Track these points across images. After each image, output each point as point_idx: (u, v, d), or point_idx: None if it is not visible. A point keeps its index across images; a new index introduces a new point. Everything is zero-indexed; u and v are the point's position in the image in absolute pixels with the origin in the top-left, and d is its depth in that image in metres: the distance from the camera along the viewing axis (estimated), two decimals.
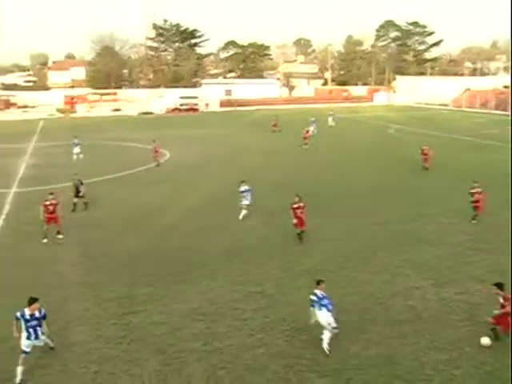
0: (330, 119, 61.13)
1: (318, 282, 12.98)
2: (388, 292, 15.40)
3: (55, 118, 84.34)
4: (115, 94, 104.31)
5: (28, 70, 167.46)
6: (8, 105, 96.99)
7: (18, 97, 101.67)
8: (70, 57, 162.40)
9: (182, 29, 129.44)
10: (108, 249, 19.79)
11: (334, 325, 12.57)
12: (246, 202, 22.93)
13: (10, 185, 31.56)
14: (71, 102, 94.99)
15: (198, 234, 21.44)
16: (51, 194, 21.35)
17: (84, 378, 11.66)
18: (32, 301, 11.97)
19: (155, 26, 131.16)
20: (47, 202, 20.82)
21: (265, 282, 16.43)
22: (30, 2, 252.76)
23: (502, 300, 12.64)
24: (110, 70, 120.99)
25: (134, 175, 34.22)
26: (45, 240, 20.60)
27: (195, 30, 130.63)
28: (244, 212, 22.97)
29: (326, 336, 12.49)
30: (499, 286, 12.81)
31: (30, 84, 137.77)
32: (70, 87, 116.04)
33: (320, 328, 12.59)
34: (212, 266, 17.89)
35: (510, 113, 71.86)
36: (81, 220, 23.71)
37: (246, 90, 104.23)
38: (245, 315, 14.29)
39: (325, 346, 12.42)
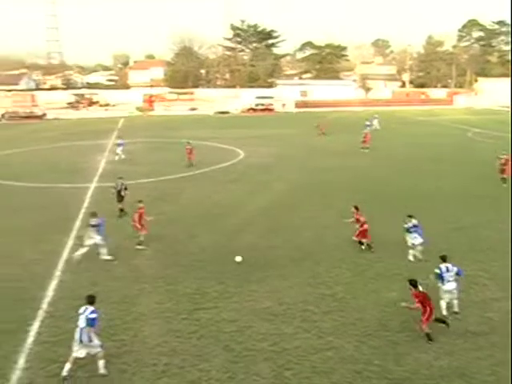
0: (374, 122, 59.31)
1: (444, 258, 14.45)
2: (463, 301, 14.89)
3: (134, 116, 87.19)
4: (192, 93, 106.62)
5: (111, 70, 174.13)
6: (91, 103, 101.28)
7: (101, 95, 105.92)
8: (150, 57, 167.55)
9: (260, 29, 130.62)
10: (182, 245, 20.27)
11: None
12: (416, 240, 18.23)
13: (91, 179, 32.99)
14: (150, 100, 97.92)
15: (269, 234, 21.57)
16: (140, 201, 20.89)
17: (155, 369, 12.02)
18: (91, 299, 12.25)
19: (233, 27, 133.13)
20: (140, 210, 20.08)
21: (336, 285, 16.31)
22: (112, 4, 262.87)
23: None
24: (187, 70, 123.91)
25: (208, 174, 34.85)
26: (139, 247, 20.12)
27: (272, 31, 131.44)
28: (412, 252, 18.38)
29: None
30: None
31: (112, 83, 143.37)
32: (149, 86, 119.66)
33: (391, 335, 12.34)
34: (283, 266, 17.95)
35: None
36: (156, 217, 24.38)
37: (321, 91, 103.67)
38: (314, 317, 14.25)
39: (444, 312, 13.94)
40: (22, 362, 12.29)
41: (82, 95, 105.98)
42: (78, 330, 11.80)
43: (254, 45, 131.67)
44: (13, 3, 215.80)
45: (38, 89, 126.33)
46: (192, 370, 12.00)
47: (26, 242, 20.84)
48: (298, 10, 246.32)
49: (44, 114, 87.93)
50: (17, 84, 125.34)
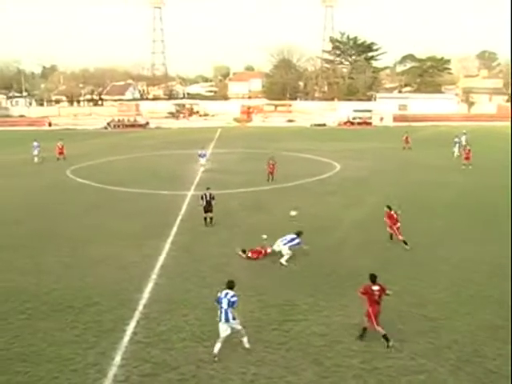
0: (463, 138, 52.93)
1: None
2: None
3: (232, 127, 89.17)
4: (290, 105, 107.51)
5: (211, 81, 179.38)
6: (191, 113, 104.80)
7: (201, 106, 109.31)
8: (250, 69, 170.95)
9: (359, 42, 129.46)
10: (275, 256, 20.34)
11: None
12: None
13: (188, 187, 34.05)
14: (247, 111, 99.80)
15: (363, 248, 21.20)
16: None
17: (244, 378, 12.11)
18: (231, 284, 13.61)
19: (332, 40, 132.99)
20: None
21: (429, 304, 15.70)
22: (214, 18, 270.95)
23: None
24: (285, 82, 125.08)
25: (303, 186, 34.88)
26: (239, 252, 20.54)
27: (372, 43, 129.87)
28: None
29: None
30: None
31: (212, 94, 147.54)
32: (247, 98, 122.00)
33: (486, 362, 11.69)
34: None
35: None
36: (252, 225, 24.72)
37: (421, 104, 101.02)
38: (407, 337, 13.78)
39: None
40: (118, 359, 12.84)
41: (183, 105, 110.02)
42: (222, 311, 13.16)
43: (354, 57, 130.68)
44: (121, 19, 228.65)
45: (142, 99, 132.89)
46: (280, 381, 11.98)
47: (128, 246, 21.84)
48: (399, 21, 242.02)
49: (147, 123, 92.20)
50: (123, 94, 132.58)
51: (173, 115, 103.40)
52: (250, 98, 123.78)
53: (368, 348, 13.27)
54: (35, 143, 48.16)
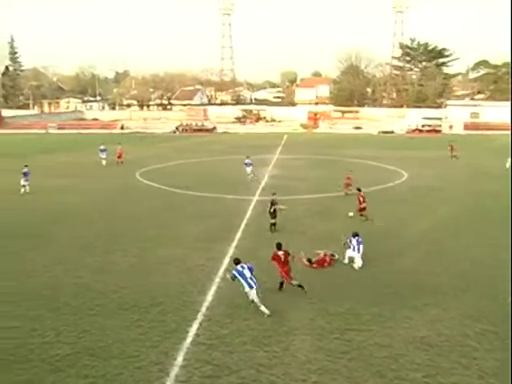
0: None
1: None
2: None
3: (298, 133, 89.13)
4: (357, 112, 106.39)
5: (278, 87, 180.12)
6: (258, 118, 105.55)
7: (268, 111, 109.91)
8: (317, 74, 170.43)
9: (430, 48, 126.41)
10: (338, 264, 20.17)
11: None
12: None
13: (253, 192, 34.30)
14: (314, 118, 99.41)
15: (429, 259, 20.66)
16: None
17: None
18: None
19: (402, 45, 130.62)
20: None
21: (500, 322, 15.07)
22: (282, 23, 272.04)
23: None
24: (353, 88, 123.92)
25: (370, 194, 34.22)
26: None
27: (444, 49, 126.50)
28: None
29: None
30: None
31: (279, 100, 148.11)
32: (314, 104, 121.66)
33: None
34: (443, 294, 17.05)
35: None
36: (317, 232, 24.61)
37: (495, 112, 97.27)
38: (475, 354, 13.30)
39: None
40: (180, 359, 13.08)
41: (250, 111, 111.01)
42: (247, 280, 15.29)
43: (424, 64, 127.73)
44: (191, 25, 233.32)
45: (209, 104, 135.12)
46: None
47: (193, 248, 22.27)
48: (472, 27, 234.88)
49: (214, 128, 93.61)
50: (191, 99, 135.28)
51: (239, 120, 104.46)
52: (316, 104, 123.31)
53: (432, 362, 12.91)
54: (102, 147, 49.51)
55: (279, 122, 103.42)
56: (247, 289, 15.38)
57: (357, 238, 20.06)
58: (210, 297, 16.93)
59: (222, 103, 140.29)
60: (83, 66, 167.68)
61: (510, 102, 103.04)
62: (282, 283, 17.22)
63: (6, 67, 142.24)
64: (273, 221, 24.84)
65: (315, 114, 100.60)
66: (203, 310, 15.92)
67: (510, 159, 45.33)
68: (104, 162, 48.73)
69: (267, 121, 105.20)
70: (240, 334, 14.34)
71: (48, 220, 27.75)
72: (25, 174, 35.84)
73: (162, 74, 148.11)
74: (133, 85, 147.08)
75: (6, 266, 20.33)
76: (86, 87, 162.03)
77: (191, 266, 20.08)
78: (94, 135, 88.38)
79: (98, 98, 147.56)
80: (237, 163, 47.67)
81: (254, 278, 15.43)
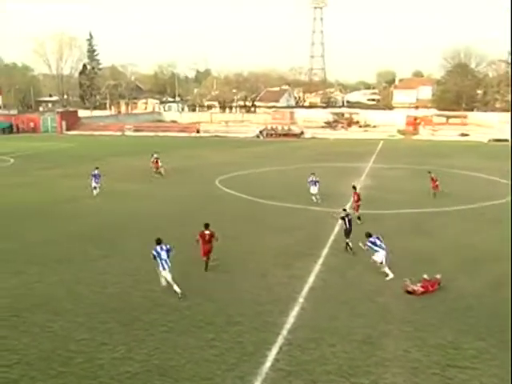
0: None
1: None
2: None
3: (395, 140, 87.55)
4: (465, 117, 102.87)
5: (373, 88, 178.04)
6: (350, 123, 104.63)
7: (361, 115, 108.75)
8: (418, 74, 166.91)
9: None
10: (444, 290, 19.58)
11: None
12: None
13: (343, 205, 33.87)
14: (414, 123, 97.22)
15: None
16: None
17: None
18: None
19: None
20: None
21: None
22: (380, 17, 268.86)
23: None
24: (460, 90, 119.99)
25: (476, 210, 33.11)
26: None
27: None
28: None
29: None
30: None
31: (374, 103, 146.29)
32: (413, 107, 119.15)
33: None
34: None
35: None
36: (410, 251, 24.01)
37: None
38: None
39: None
40: None
41: (342, 114, 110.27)
42: (163, 261, 18.61)
43: None
44: (278, 20, 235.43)
45: (297, 106, 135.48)
46: None
47: (274, 264, 22.39)
48: None
49: (301, 133, 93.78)
50: (277, 101, 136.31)
51: (330, 125, 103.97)
52: (417, 107, 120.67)
53: None
54: (155, 155, 48.91)
55: (374, 127, 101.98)
56: (160, 269, 18.76)
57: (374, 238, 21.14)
58: (291, 318, 16.89)
59: (311, 106, 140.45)
60: (162, 65, 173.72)
61: None
62: (207, 263, 21.42)
63: (84, 65, 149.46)
64: (347, 240, 24.41)
65: (415, 119, 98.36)
66: (284, 332, 15.90)
67: None
68: (159, 171, 47.56)
69: (360, 126, 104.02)
70: (324, 362, 14.20)
71: (120, 227, 28.80)
72: (95, 176, 37.86)
73: (245, 74, 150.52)
74: (214, 85, 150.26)
75: (81, 274, 21.31)
76: (165, 87, 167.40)
77: (271, 283, 20.16)
78: (172, 138, 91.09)
79: (177, 98, 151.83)
80: (326, 172, 47.47)
81: (168, 261, 18.65)
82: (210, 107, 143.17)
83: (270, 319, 16.79)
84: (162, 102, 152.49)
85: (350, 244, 24.14)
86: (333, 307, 17.80)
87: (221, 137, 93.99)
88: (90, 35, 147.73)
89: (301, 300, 18.41)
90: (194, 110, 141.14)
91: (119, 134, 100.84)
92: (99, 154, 64.78)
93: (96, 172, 38.28)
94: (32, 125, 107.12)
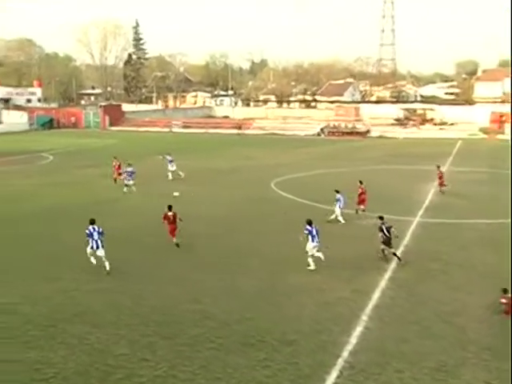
0: None
1: None
2: None
3: (477, 139, 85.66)
4: None
5: (451, 81, 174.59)
6: (424, 120, 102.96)
7: (437, 111, 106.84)
8: (504, 65, 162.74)
9: None
10: None
11: None
12: None
13: (414, 212, 33.46)
14: (499, 120, 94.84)
15: None
16: None
17: None
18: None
19: None
20: None
21: None
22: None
23: None
24: None
25: None
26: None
27: None
28: None
29: None
30: None
31: (452, 97, 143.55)
32: (499, 102, 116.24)
33: None
34: None
35: None
36: (491, 266, 23.44)
37: None
38: None
39: None
40: None
41: (414, 110, 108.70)
42: (94, 241, 22.44)
43: None
44: (343, 5, 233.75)
45: (363, 101, 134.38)
46: None
47: (334, 276, 22.32)
48: None
49: (367, 131, 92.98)
50: (341, 95, 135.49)
51: (400, 122, 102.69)
52: (503, 102, 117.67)
53: None
54: (169, 157, 47.71)
55: (451, 124, 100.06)
56: (89, 248, 22.56)
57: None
58: (354, 339, 16.73)
59: (379, 101, 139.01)
60: (215, 55, 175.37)
61: None
62: (177, 244, 25.96)
63: (129, 55, 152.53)
64: (392, 250, 24.38)
65: (501, 116, 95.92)
66: (345, 354, 15.76)
67: None
68: (170, 176, 45.75)
69: (435, 123, 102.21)
70: None
71: (162, 231, 29.18)
72: (129, 173, 39.41)
73: (306, 65, 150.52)
74: (271, 77, 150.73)
75: (121, 282, 21.80)
76: (217, 79, 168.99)
77: (331, 298, 20.03)
78: (223, 136, 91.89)
79: (230, 92, 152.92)
80: (394, 175, 47.06)
81: (99, 241, 22.51)
82: (265, 102, 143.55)
83: (329, 339, 16.67)
84: (213, 96, 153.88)
85: (395, 252, 24.33)
86: (401, 328, 17.52)
87: (277, 134, 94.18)
88: (136, 22, 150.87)
89: (364, 318, 18.21)
90: (248, 105, 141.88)
91: (166, 130, 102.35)
92: (144, 151, 65.89)
93: (130, 169, 39.43)
94: (73, 119, 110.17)
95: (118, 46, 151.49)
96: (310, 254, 23.29)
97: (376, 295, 20.24)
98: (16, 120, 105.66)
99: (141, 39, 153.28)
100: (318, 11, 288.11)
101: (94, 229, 22.61)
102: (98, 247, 22.49)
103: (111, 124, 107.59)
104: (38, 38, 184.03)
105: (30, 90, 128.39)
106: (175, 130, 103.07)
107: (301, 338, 16.67)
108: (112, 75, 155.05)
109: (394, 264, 23.93)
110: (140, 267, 23.58)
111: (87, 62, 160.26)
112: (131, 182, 39.49)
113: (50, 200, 37.88)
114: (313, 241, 23.22)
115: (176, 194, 37.11)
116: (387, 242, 24.24)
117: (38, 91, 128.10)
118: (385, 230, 24.26)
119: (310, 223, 23.62)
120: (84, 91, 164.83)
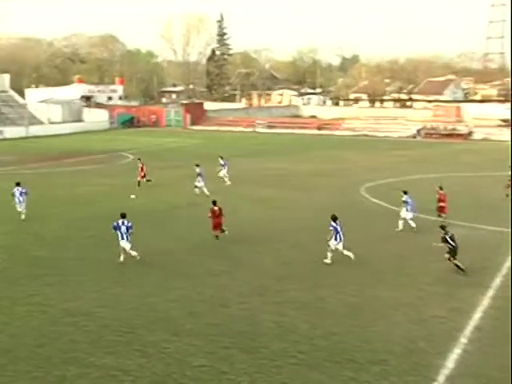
0: None
1: None
2: None
3: None
4: None
5: None
6: None
7: None
8: None
9: None
10: None
11: None
12: None
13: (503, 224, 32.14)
14: None
15: None
16: None
17: None
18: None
19: None
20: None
21: None
22: None
23: None
24: None
25: None
26: None
27: None
28: None
29: None
30: None
31: None
32: None
33: None
34: None
35: None
36: None
37: None
38: None
39: None
40: None
41: None
42: (122, 234, 24.85)
43: None
44: None
45: (465, 100, 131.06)
46: None
47: (430, 292, 21.84)
48: None
49: (469, 133, 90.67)
50: (440, 94, 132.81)
51: (508, 123, 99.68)
52: None
53: None
54: (222, 161, 47.07)
55: None
56: (120, 239, 24.90)
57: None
58: (450, 362, 16.25)
59: (484, 100, 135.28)
60: (302, 51, 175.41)
61: None
62: (216, 236, 28.62)
63: (213, 51, 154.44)
64: (456, 262, 23.98)
65: None
66: (441, 379, 15.32)
67: None
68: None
69: None
70: None
71: (247, 238, 29.35)
72: (200, 175, 40.86)
73: (402, 61, 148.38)
74: (363, 74, 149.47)
75: (201, 290, 22.09)
76: (304, 76, 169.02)
77: (426, 316, 19.60)
78: (310, 137, 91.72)
79: (319, 90, 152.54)
80: (496, 182, 45.46)
81: (127, 234, 24.88)
82: (356, 100, 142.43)
83: (422, 361, 16.27)
84: (300, 94, 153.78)
85: (460, 264, 23.92)
86: (505, 354, 16.80)
87: (369, 136, 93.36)
88: (221, 16, 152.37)
89: (463, 340, 17.67)
90: (337, 104, 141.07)
91: (250, 130, 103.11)
92: (227, 152, 66.34)
93: (198, 170, 41.12)
94: (154, 118, 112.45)
95: (202, 41, 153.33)
96: (331, 248, 25.05)
97: (477, 315, 19.61)
98: (97, 118, 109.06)
99: (225, 34, 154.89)
100: (414, 2, 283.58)
101: (123, 222, 24.99)
102: (122, 238, 24.93)
103: (193, 123, 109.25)
104: (120, 34, 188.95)
105: (112, 87, 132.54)
106: (259, 129, 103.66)
107: (391, 358, 16.34)
108: (194, 72, 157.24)
109: (498, 280, 23.19)
110: (219, 275, 23.79)
111: (169, 58, 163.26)
112: (201, 184, 40.61)
113: (130, 202, 38.58)
114: (336, 238, 24.85)
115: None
116: (454, 251, 24.05)
117: (120, 88, 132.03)
118: (449, 240, 24.12)
119: (334, 219, 25.24)
120: (165, 89, 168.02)
